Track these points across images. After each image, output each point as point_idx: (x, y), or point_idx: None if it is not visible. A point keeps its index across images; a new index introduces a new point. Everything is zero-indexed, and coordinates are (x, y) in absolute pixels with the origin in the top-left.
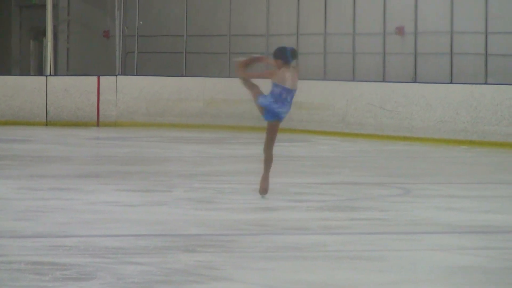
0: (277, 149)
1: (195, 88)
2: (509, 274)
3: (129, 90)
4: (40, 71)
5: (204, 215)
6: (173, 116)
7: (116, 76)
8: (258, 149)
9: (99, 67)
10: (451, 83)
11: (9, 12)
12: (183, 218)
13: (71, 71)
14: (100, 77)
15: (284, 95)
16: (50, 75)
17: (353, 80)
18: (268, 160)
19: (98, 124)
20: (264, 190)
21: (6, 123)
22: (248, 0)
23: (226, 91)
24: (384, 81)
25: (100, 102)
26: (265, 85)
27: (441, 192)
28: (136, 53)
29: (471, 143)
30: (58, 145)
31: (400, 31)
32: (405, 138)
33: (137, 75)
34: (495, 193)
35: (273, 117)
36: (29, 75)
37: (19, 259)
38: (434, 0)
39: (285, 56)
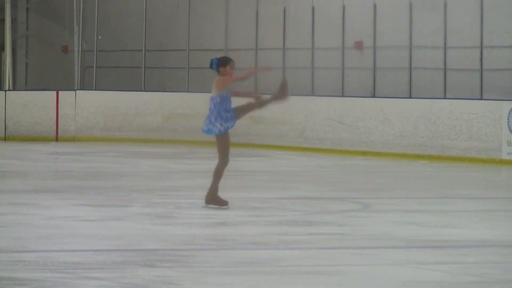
0: (235, 163)
1: (154, 103)
2: None
3: (88, 105)
4: None
5: (163, 230)
6: (131, 131)
7: (75, 91)
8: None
9: (57, 81)
10: (409, 97)
11: None
12: (141, 233)
13: (29, 86)
14: (59, 91)
15: None
16: (9, 89)
17: (312, 94)
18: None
19: (57, 139)
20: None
21: None
22: (206, 15)
23: (184, 106)
24: (342, 95)
25: (58, 117)
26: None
27: (399, 206)
28: (95, 67)
29: (430, 157)
30: (17, 160)
31: (358, 45)
32: (363, 153)
33: (95, 90)
34: (453, 207)
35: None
36: None
37: None
38: (392, 15)
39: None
